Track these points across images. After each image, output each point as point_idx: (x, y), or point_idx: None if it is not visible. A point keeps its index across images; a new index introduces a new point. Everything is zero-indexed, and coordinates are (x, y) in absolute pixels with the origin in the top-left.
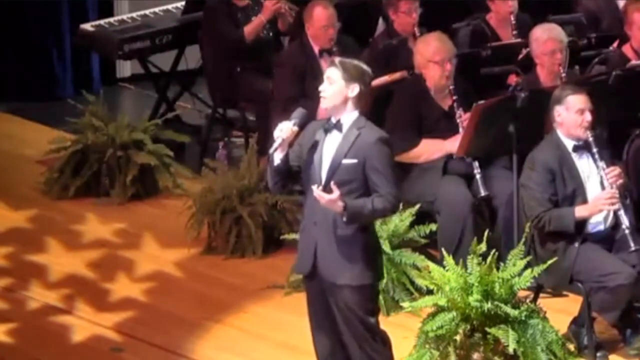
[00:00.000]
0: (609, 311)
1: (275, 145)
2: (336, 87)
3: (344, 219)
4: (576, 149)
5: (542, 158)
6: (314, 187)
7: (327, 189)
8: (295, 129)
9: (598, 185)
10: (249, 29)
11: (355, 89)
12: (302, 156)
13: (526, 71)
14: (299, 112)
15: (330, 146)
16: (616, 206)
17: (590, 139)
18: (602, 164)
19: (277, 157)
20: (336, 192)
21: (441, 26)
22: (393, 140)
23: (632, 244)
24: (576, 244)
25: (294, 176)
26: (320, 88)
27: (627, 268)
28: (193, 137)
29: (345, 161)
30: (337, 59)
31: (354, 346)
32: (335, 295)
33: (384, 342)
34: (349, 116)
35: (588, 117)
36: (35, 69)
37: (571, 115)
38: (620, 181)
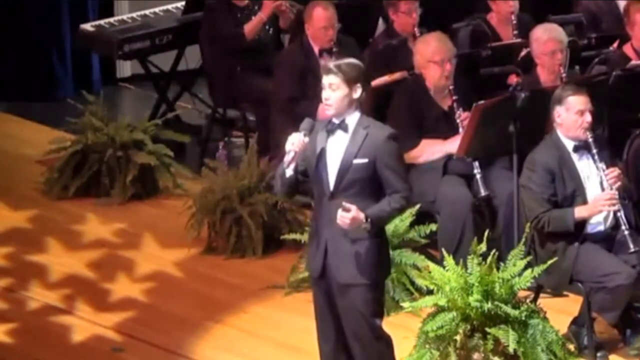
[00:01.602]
0: (609, 311)
1: (288, 158)
2: (340, 93)
3: (368, 229)
4: (576, 149)
5: (541, 159)
6: (339, 211)
7: (335, 195)
8: (307, 140)
9: (598, 186)
10: (249, 27)
11: (358, 90)
12: (306, 158)
13: (526, 71)
14: (307, 122)
15: (335, 147)
16: (616, 207)
17: (590, 139)
18: (602, 165)
19: (290, 170)
20: (352, 207)
21: (441, 26)
22: None
23: (631, 246)
24: (576, 244)
25: (303, 183)
26: (324, 96)
27: (627, 268)
28: (193, 137)
29: (357, 161)
30: (331, 65)
31: (357, 348)
32: (344, 295)
33: (388, 344)
34: (353, 116)
35: (588, 118)
36: (35, 69)
37: (571, 116)
38: (620, 182)
